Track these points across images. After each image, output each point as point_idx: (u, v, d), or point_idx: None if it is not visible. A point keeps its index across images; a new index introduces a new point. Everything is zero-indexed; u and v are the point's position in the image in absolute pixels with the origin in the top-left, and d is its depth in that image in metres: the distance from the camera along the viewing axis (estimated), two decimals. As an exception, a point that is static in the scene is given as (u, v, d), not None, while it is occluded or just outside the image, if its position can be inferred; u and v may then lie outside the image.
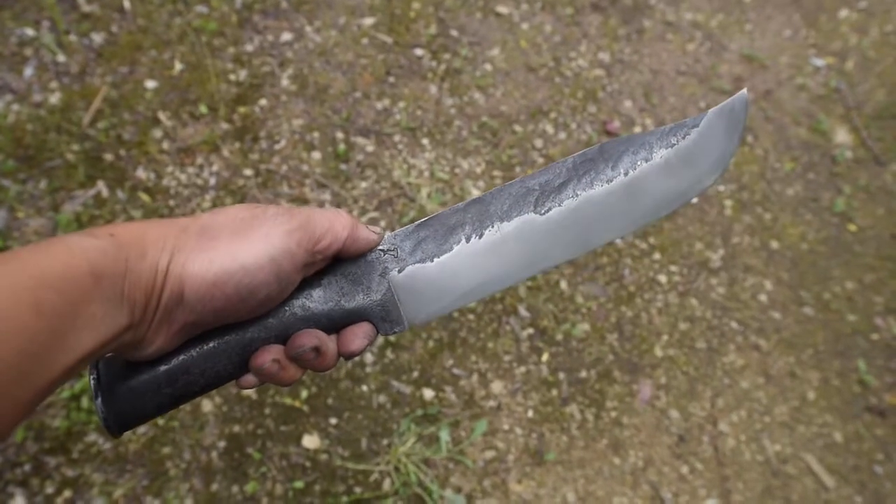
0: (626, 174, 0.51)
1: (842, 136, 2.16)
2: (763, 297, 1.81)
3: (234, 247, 0.40)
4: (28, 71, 1.68)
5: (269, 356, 0.45)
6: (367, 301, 0.48)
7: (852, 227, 1.99)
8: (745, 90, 0.53)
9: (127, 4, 1.83)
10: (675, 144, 0.52)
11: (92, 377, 0.43)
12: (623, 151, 0.52)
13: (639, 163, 0.51)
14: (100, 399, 0.42)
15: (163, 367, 0.43)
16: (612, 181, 0.51)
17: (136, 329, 0.38)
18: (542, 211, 0.50)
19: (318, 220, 0.44)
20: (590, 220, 0.50)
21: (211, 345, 0.44)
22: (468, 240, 0.50)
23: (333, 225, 0.45)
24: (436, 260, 0.50)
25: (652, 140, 0.52)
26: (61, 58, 1.71)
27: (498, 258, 0.50)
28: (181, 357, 0.44)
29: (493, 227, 0.50)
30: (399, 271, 0.49)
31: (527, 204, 0.51)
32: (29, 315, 0.31)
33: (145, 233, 0.39)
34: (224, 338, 0.45)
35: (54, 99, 1.66)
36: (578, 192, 0.51)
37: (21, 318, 0.31)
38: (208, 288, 0.39)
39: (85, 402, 1.35)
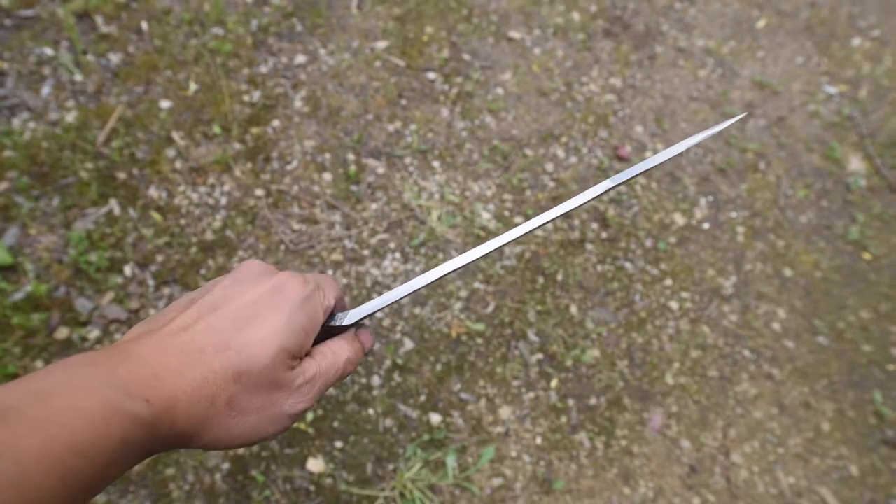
0: None
1: (855, 163, 2.14)
2: (776, 326, 1.79)
3: (260, 426, 0.41)
4: (45, 89, 1.70)
5: None
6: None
7: (867, 256, 1.96)
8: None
9: (145, 26, 1.86)
10: None
11: None
12: None
13: None
14: None
15: None
16: None
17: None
18: None
19: (332, 379, 0.46)
20: None
21: None
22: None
23: (338, 377, 0.47)
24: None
25: None
26: (78, 77, 1.73)
27: None
28: None
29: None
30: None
31: None
32: (54, 485, 0.30)
33: (177, 401, 0.38)
34: None
35: (70, 117, 1.67)
36: None
37: (46, 489, 0.30)
38: (223, 446, 0.41)
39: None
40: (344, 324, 0.48)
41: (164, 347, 0.39)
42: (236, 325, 0.41)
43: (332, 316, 0.49)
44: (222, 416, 0.40)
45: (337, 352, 0.46)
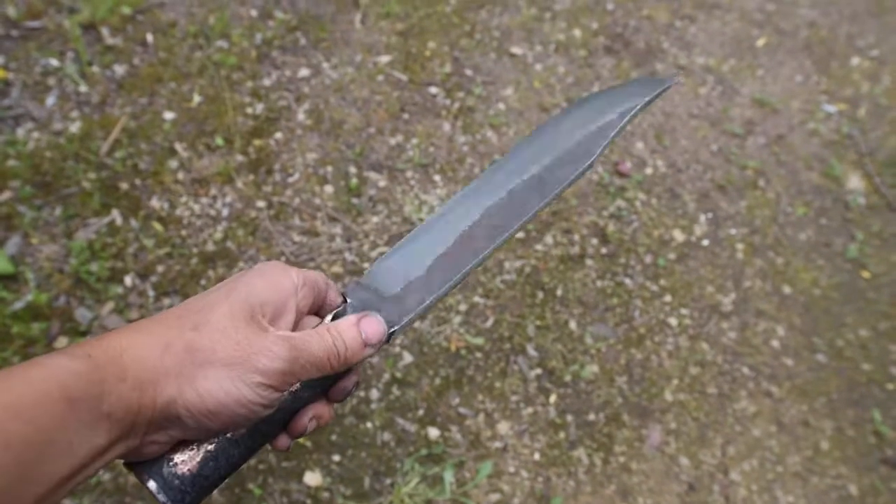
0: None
1: (854, 181, 2.16)
2: (775, 343, 1.79)
3: (229, 382, 0.39)
4: (50, 100, 1.72)
5: (307, 417, 0.46)
6: None
7: (866, 274, 1.97)
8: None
9: (150, 38, 1.87)
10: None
11: (148, 481, 0.42)
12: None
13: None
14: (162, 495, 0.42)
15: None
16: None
17: (124, 444, 0.38)
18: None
19: (315, 352, 0.43)
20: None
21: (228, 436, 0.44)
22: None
23: (330, 360, 0.44)
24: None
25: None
26: (83, 88, 1.75)
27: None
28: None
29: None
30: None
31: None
32: None
33: (123, 352, 0.38)
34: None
35: (74, 128, 1.69)
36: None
37: None
38: (204, 415, 0.39)
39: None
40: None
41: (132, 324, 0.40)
42: (202, 297, 0.43)
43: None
44: (184, 365, 0.38)
45: (331, 331, 0.44)
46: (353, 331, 0.45)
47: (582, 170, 0.55)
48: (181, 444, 0.42)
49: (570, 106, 0.59)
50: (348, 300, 0.49)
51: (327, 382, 0.47)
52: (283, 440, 0.47)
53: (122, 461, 0.41)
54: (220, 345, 0.39)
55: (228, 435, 0.43)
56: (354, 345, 0.45)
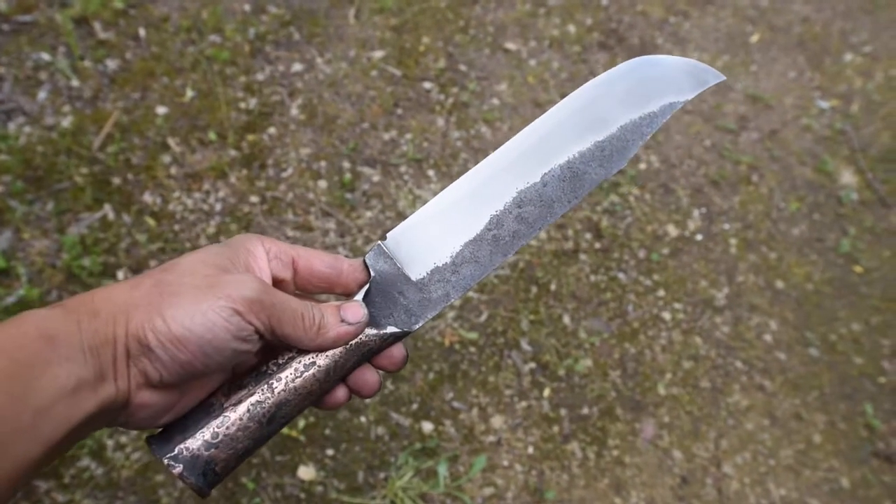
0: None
1: (847, 177, 2.16)
2: (768, 337, 1.80)
3: (196, 306, 0.39)
4: (42, 94, 1.71)
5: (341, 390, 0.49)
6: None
7: (858, 269, 1.97)
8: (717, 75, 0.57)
9: (142, 32, 1.87)
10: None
11: (167, 458, 0.42)
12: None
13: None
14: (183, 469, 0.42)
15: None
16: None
17: (110, 384, 0.38)
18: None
19: (291, 303, 0.43)
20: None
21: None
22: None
23: (304, 318, 0.44)
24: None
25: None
26: (75, 82, 1.74)
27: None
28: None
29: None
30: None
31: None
32: None
33: (95, 294, 0.39)
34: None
35: (66, 122, 1.68)
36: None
37: None
38: (172, 342, 0.39)
39: (80, 426, 1.34)
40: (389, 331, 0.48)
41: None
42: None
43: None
44: (152, 296, 0.39)
45: (309, 303, 0.45)
46: (332, 307, 0.46)
47: (614, 172, 0.55)
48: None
49: (615, 71, 0.56)
50: (372, 273, 0.50)
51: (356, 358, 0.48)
52: (341, 392, 0.48)
53: (143, 437, 0.42)
54: (189, 278, 0.41)
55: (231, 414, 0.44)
56: (331, 319, 0.45)
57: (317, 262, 0.48)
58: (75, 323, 0.37)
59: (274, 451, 1.40)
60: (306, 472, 1.39)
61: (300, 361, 0.45)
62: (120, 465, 1.32)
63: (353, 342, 0.47)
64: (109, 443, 1.34)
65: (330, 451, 1.42)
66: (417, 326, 0.49)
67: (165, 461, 0.42)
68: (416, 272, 0.50)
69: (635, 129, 0.55)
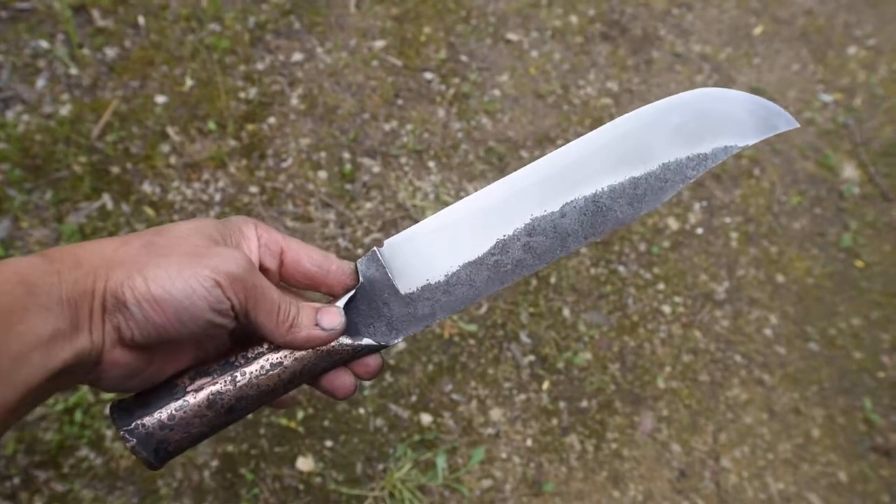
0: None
1: (849, 171, 2.15)
2: (768, 331, 1.79)
3: (179, 271, 0.39)
4: (40, 82, 1.69)
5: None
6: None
7: (859, 263, 1.97)
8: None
9: (141, 20, 1.85)
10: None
11: (116, 417, 0.43)
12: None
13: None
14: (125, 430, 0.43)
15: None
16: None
17: (85, 335, 0.38)
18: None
19: (270, 293, 0.43)
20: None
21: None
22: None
23: (281, 310, 0.43)
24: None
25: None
26: (74, 70, 1.73)
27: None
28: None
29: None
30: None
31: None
32: None
33: (81, 247, 0.40)
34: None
35: (65, 111, 1.67)
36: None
37: None
38: (149, 302, 0.39)
39: (78, 415, 1.34)
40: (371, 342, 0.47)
41: None
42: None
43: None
44: (140, 255, 0.40)
45: (289, 297, 0.45)
46: (310, 308, 0.45)
47: (642, 213, 0.49)
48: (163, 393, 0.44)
49: (672, 100, 0.50)
50: (360, 279, 0.48)
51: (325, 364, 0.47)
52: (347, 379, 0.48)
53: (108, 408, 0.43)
54: (179, 244, 0.41)
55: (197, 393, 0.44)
56: (306, 319, 0.45)
57: (305, 257, 0.48)
58: (56, 273, 0.37)
59: (272, 443, 1.40)
60: (305, 464, 1.39)
61: (268, 359, 0.45)
62: (119, 455, 1.32)
63: (325, 348, 0.45)
64: (108, 433, 1.34)
65: (329, 443, 1.42)
66: (396, 341, 0.48)
67: (122, 433, 0.42)
68: (407, 286, 0.48)
69: (679, 169, 0.49)
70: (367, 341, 0.47)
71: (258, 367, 0.45)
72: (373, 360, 0.48)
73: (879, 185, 2.13)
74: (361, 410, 1.47)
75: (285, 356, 0.45)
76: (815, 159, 2.15)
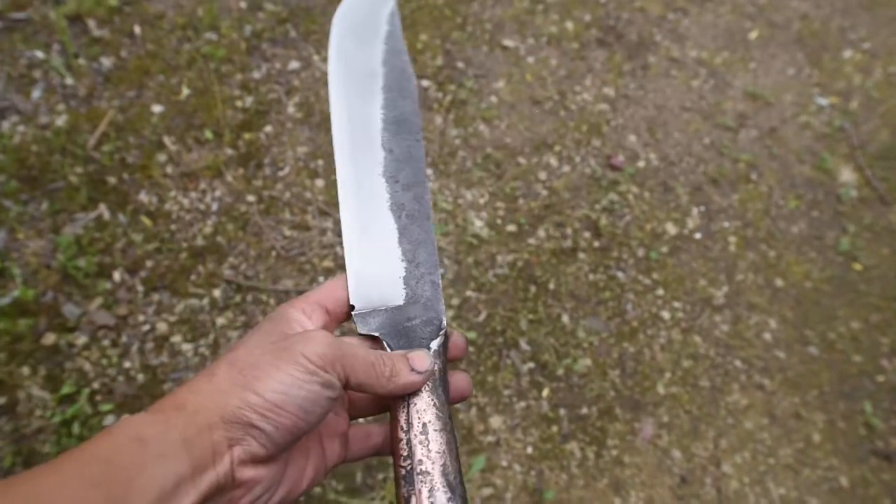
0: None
1: (846, 175, 2.16)
2: (767, 336, 1.79)
3: (279, 371, 0.40)
4: (36, 93, 1.69)
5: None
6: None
7: (857, 267, 1.97)
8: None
9: (137, 30, 1.85)
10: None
11: None
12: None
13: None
14: None
15: None
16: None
17: (210, 472, 0.38)
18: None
19: (360, 352, 0.44)
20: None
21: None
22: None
23: (375, 365, 0.44)
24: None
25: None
26: (69, 81, 1.72)
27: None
28: None
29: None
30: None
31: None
32: (80, 488, 0.33)
33: (175, 395, 0.40)
34: None
35: (60, 121, 1.66)
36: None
37: (75, 493, 0.33)
38: (273, 411, 0.39)
39: (76, 427, 1.33)
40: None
41: None
42: None
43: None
44: (233, 377, 0.40)
45: (376, 351, 0.46)
46: (401, 357, 0.47)
47: (413, 90, 0.56)
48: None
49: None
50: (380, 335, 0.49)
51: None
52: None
53: None
54: (259, 349, 0.42)
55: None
56: (402, 367, 0.46)
57: (329, 298, 0.49)
58: (164, 421, 0.37)
59: (272, 453, 1.39)
60: (304, 474, 1.38)
61: (418, 413, 0.47)
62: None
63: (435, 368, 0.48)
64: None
65: (328, 453, 1.42)
66: (444, 321, 0.49)
67: None
68: (397, 298, 0.50)
69: (398, 53, 0.59)
70: (434, 345, 0.48)
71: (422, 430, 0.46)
72: (457, 339, 0.51)
73: (877, 188, 2.13)
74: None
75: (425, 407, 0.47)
76: (812, 163, 2.15)
